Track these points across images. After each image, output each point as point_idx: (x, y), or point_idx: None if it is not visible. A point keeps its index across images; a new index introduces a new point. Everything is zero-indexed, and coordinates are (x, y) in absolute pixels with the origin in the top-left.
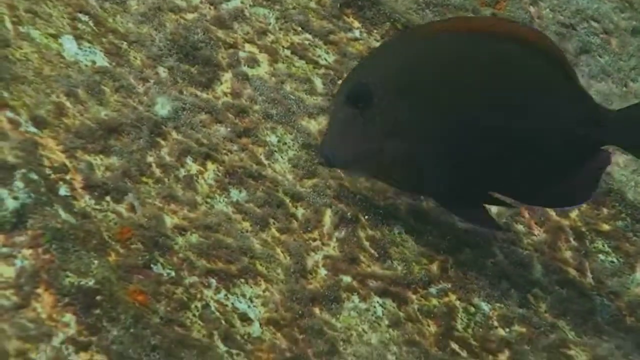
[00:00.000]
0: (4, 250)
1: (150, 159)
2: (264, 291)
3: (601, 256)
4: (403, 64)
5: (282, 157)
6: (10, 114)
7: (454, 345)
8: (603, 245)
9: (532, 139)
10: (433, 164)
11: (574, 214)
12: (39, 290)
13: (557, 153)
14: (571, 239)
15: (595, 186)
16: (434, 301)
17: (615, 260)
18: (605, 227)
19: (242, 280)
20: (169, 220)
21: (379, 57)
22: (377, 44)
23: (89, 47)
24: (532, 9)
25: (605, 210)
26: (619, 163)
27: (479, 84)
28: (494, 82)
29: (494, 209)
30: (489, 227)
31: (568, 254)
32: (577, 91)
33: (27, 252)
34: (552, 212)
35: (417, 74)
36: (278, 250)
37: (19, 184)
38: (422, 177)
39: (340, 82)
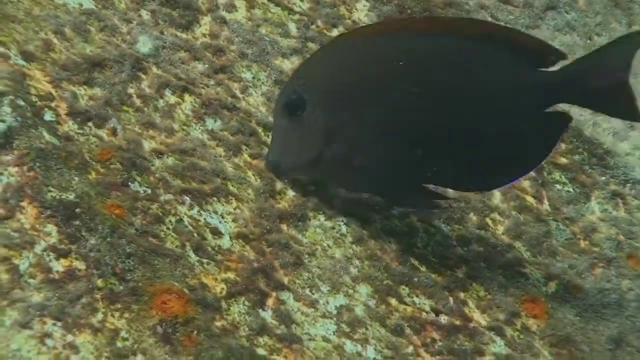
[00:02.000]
0: None
1: (131, 90)
2: (234, 209)
3: (558, 186)
4: (335, 67)
5: (255, 91)
6: (0, 48)
7: (414, 261)
8: (560, 177)
9: (472, 122)
10: (372, 163)
11: None
12: (24, 204)
13: (502, 128)
14: None
15: (549, 149)
16: (396, 221)
17: (571, 189)
18: (563, 160)
19: (215, 198)
20: (147, 145)
21: (313, 63)
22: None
23: None
24: None
25: (563, 145)
26: None
27: (410, 78)
28: (424, 74)
29: None
30: (434, 209)
31: (526, 183)
32: (513, 62)
33: (12, 169)
34: None
35: (349, 76)
36: (249, 173)
37: (6, 109)
38: (363, 178)
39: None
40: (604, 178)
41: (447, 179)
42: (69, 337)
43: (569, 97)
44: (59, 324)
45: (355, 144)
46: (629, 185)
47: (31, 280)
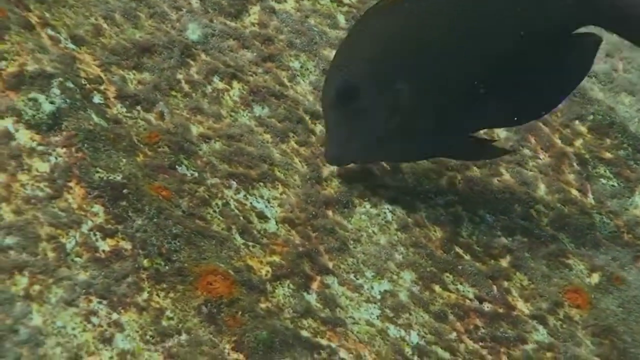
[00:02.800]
0: (40, 148)
1: (179, 76)
2: (281, 194)
3: (602, 180)
4: (375, 44)
5: (303, 80)
6: (50, 32)
7: (458, 249)
8: (605, 171)
9: (512, 55)
10: (435, 122)
11: (577, 142)
12: (71, 184)
13: (537, 53)
14: (574, 163)
15: (584, 72)
16: (441, 210)
17: (616, 184)
18: (608, 155)
19: (261, 183)
20: (195, 129)
21: (352, 46)
22: None
23: None
24: None
25: (608, 141)
26: (625, 102)
27: (447, 27)
28: (460, 21)
29: (502, 134)
30: (498, 154)
31: (571, 177)
32: None
33: (61, 150)
34: (557, 140)
35: (392, 47)
36: (296, 159)
37: (55, 90)
38: (427, 140)
39: (324, 79)
40: None
41: (500, 118)
42: (114, 315)
43: (594, 17)
44: (105, 302)
45: (416, 109)
46: None
47: (77, 259)
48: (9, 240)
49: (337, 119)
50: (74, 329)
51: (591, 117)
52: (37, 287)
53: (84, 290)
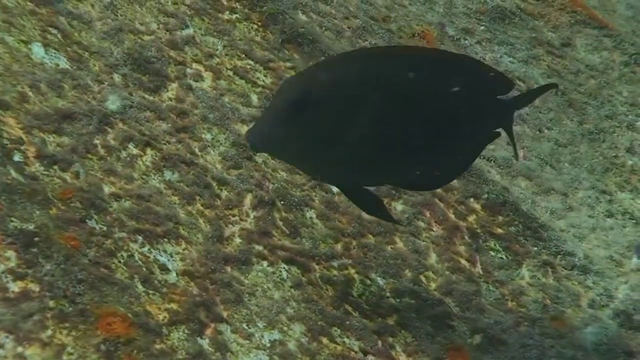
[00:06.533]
0: None
1: (96, 142)
2: (183, 249)
3: (492, 253)
4: (334, 78)
5: (214, 151)
6: None
7: (348, 307)
8: (495, 245)
9: (432, 131)
10: (345, 160)
11: (471, 217)
12: None
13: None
14: (466, 237)
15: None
16: (335, 272)
17: (504, 257)
18: (499, 230)
19: (166, 239)
20: (107, 189)
21: (318, 70)
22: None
23: (55, 53)
24: None
25: (500, 218)
26: (521, 185)
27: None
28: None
29: (399, 207)
30: (388, 219)
31: (462, 248)
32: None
33: None
34: (451, 215)
35: (340, 87)
36: (200, 220)
37: None
38: (335, 170)
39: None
40: (536, 248)
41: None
42: (19, 349)
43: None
44: (11, 336)
45: (334, 142)
46: (559, 256)
47: None
48: None
49: (277, 114)
50: None
51: (485, 195)
52: None
53: None
